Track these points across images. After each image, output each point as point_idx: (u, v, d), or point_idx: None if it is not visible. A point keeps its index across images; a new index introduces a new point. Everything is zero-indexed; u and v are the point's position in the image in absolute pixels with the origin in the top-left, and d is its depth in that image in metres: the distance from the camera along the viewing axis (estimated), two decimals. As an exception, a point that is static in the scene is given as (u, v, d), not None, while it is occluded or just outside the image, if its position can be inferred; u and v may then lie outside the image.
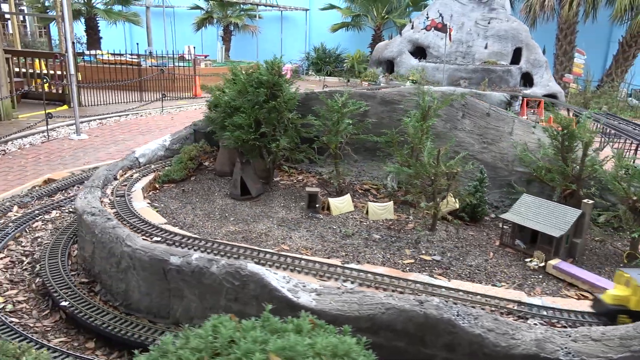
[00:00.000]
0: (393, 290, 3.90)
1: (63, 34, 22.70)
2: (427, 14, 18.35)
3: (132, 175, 6.38)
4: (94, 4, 24.12)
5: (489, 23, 17.41)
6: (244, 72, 6.16)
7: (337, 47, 28.50)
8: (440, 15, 16.78)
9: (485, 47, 17.22)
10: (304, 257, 4.39)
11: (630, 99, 22.18)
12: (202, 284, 3.99)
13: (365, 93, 6.59)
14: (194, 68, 20.23)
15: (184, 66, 21.02)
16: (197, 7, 27.63)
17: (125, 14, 25.10)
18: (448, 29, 16.23)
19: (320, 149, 6.11)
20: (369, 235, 5.09)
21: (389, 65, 19.19)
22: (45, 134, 12.75)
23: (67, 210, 6.85)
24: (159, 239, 4.60)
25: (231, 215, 5.52)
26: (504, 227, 5.09)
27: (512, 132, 5.87)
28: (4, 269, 5.26)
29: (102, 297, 4.69)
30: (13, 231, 5.95)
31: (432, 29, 16.38)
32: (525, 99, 13.85)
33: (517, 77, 16.88)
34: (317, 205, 5.52)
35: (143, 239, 4.42)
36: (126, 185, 6.02)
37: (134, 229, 4.78)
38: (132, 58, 20.37)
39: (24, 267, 5.34)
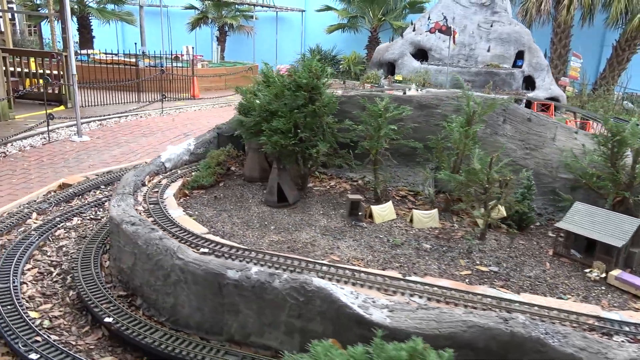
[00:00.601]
0: (465, 306, 3.73)
1: (55, 33, 22.21)
2: (429, 17, 18.29)
3: (160, 181, 6.13)
4: (87, 3, 23.62)
5: (491, 26, 17.41)
6: (279, 75, 5.96)
7: (333, 48, 28.37)
8: (445, 17, 16.74)
9: (488, 50, 17.22)
10: (363, 269, 4.20)
11: (625, 102, 22.40)
12: (262, 299, 3.78)
13: (400, 97, 6.43)
14: (192, 69, 19.90)
15: (180, 66, 20.69)
16: (192, 7, 27.27)
17: (118, 13, 24.64)
18: (452, 32, 16.18)
19: (355, 154, 5.93)
20: (418, 244, 4.92)
21: (390, 68, 19.09)
22: (46, 135, 12.39)
23: (88, 217, 6.58)
24: (206, 250, 4.37)
25: (271, 223, 5.31)
26: (559, 236, 4.97)
27: (554, 137, 5.76)
28: (33, 281, 4.98)
29: (145, 311, 4.45)
30: (37, 240, 5.66)
31: (436, 31, 16.30)
32: (535, 102, 13.84)
33: (519, 80, 16.92)
34: (359, 213, 5.34)
35: (193, 251, 4.19)
36: (157, 191, 5.77)
37: (178, 239, 4.54)
38: (127, 58, 19.96)
39: (54, 279, 5.07)
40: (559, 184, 5.62)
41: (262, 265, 4.13)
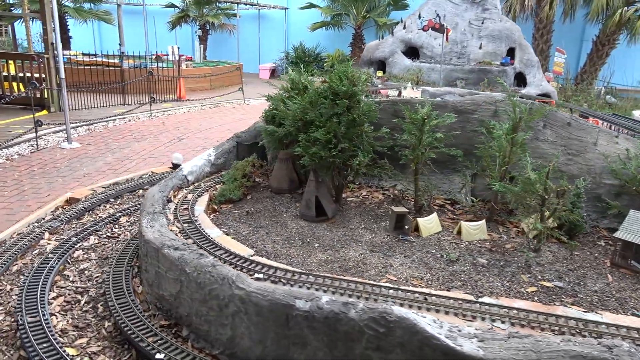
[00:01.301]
0: (552, 331, 3.53)
1: (31, 34, 21.26)
2: (420, 14, 18.17)
3: (186, 196, 5.77)
4: (63, 2, 22.73)
5: (482, 23, 17.39)
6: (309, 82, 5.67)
7: (317, 46, 28.07)
8: (438, 15, 16.62)
9: (480, 47, 17.19)
10: (434, 292, 3.96)
11: (608, 97, 22.76)
12: (335, 331, 3.51)
13: (434, 102, 6.21)
14: (178, 69, 19.34)
15: (164, 67, 20.12)
16: (172, 5, 26.58)
17: (96, 12, 23.81)
18: (445, 30, 16.08)
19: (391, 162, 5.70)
20: (474, 259, 4.71)
21: (381, 66, 18.90)
22: (34, 142, 11.82)
23: (104, 236, 6.17)
24: (260, 275, 4.06)
25: (313, 240, 5.03)
26: (609, 244, 4.83)
27: (596, 142, 5.63)
28: (62, 312, 4.59)
29: (194, 343, 4.12)
30: (57, 264, 5.25)
31: (430, 29, 16.18)
32: (537, 100, 13.82)
33: (511, 77, 16.95)
34: (406, 227, 5.10)
35: (254, 279, 3.87)
36: (186, 208, 5.42)
37: (227, 265, 4.21)
38: (108, 59, 19.26)
39: (83, 308, 4.68)
40: (603, 190, 5.50)
41: (326, 292, 3.85)
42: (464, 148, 5.72)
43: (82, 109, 16.23)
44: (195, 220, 5.09)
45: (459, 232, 5.17)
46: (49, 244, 5.89)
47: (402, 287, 4.00)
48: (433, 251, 4.85)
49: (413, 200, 5.89)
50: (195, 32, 26.55)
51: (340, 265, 4.56)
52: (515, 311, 3.72)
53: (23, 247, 5.64)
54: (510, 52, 17.51)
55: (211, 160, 6.48)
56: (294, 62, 27.92)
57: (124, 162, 11.26)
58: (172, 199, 5.69)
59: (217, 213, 5.61)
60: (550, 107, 5.51)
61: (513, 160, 5.14)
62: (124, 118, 16.02)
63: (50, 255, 5.41)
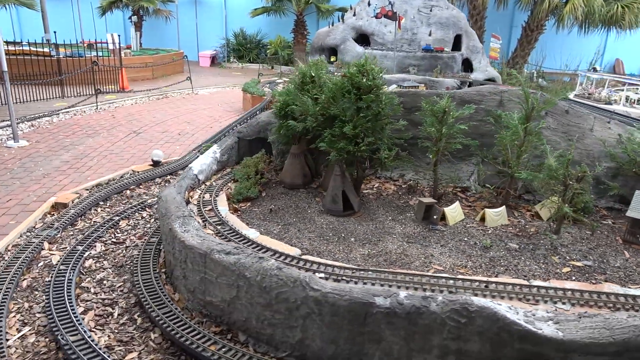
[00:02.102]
0: (610, 308, 3.81)
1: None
2: (369, 1, 18.37)
3: (203, 196, 5.57)
4: (-20, -15, 20.74)
5: (430, 10, 17.87)
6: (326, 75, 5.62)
7: (258, 32, 27.62)
8: (390, 3, 16.86)
9: (430, 35, 17.68)
10: (494, 280, 4.13)
11: (541, 80, 24.26)
12: (415, 324, 3.58)
13: (440, 93, 6.36)
14: (119, 58, 18.32)
15: (101, 56, 19.00)
16: (102, -11, 25.02)
17: (18, -4, 21.92)
18: (398, 17, 16.39)
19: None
20: (505, 245, 4.95)
21: (332, 53, 18.95)
22: (-24, 142, 10.87)
23: (109, 242, 5.84)
24: (322, 275, 4.05)
25: (348, 235, 5.05)
26: (614, 223, 5.24)
27: (592, 128, 6.04)
28: (99, 327, 4.32)
29: (256, 348, 4.04)
30: (73, 276, 4.92)
31: (382, 17, 16.42)
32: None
33: (459, 63, 17.60)
34: (434, 217, 5.24)
35: (328, 279, 3.85)
36: (212, 209, 5.24)
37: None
38: (36, 47, 17.90)
39: (119, 321, 4.44)
40: (600, 173, 5.92)
41: (390, 286, 3.91)
42: (471, 137, 5.93)
43: (17, 103, 15.06)
44: (227, 222, 4.95)
45: (482, 219, 5.39)
46: (52, 254, 5.49)
47: (458, 277, 4.14)
48: (465, 239, 5.04)
49: (427, 190, 6.05)
50: (129, 19, 25.18)
51: (385, 258, 4.63)
52: (569, 292, 3.97)
53: (26, 260, 5.21)
54: (457, 39, 18.16)
55: (217, 158, 6.28)
56: (235, 49, 27.37)
57: (84, 161, 10.62)
58: (190, 199, 5.48)
59: (239, 212, 5.48)
60: (562, 96, 5.83)
61: (528, 148, 5.41)
62: (68, 112, 15.05)
63: (62, 268, 5.05)
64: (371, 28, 18.28)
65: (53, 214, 6.54)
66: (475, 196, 6.03)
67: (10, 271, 4.96)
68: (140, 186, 7.73)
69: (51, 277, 4.88)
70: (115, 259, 5.47)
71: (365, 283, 3.97)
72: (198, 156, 9.32)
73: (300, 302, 3.74)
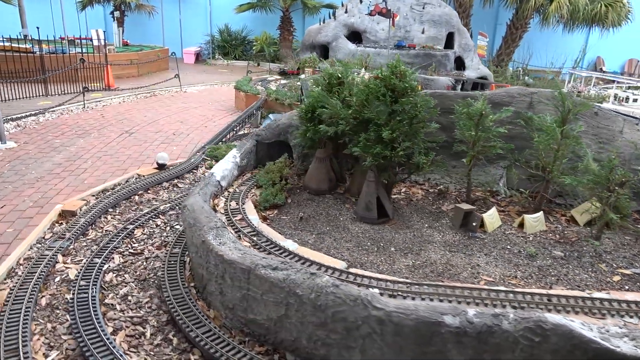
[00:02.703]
0: (678, 319, 3.69)
1: None
2: (361, -2, 18.17)
3: (228, 204, 5.28)
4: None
5: (423, 8, 17.77)
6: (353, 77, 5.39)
7: (243, 28, 27.17)
8: (384, 0, 16.68)
9: (422, 32, 17.59)
10: (552, 292, 3.97)
11: (527, 78, 24.46)
12: (485, 343, 3.39)
13: (470, 94, 6.18)
14: (105, 55, 17.71)
15: (85, 52, 18.39)
16: (83, -16, 24.23)
17: (-6, -10, 21.06)
18: (392, 15, 16.23)
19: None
20: (550, 252, 4.81)
21: (323, 50, 18.71)
22: (-38, 144, 10.35)
23: (127, 253, 5.51)
24: (377, 291, 3.83)
25: (387, 244, 4.84)
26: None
27: (622, 130, 5.96)
28: (133, 349, 4.02)
29: (308, 369, 3.80)
30: (95, 293, 4.59)
31: (377, 14, 16.24)
32: (492, 84, 14.44)
33: (452, 61, 17.56)
34: (473, 224, 5.07)
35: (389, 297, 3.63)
36: (242, 219, 4.96)
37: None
38: (13, 43, 17.22)
39: (154, 342, 4.14)
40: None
41: (450, 301, 3.72)
42: (502, 140, 5.77)
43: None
44: (261, 232, 4.68)
45: (520, 225, 5.24)
46: (67, 267, 5.14)
47: (518, 290, 3.97)
48: (508, 247, 4.88)
49: (455, 194, 5.88)
50: (110, 14, 24.45)
51: (431, 269, 4.43)
52: (633, 304, 3.84)
53: (42, 276, 4.86)
54: (450, 37, 18.12)
55: (237, 163, 5.99)
56: (221, 46, 26.88)
57: (77, 163, 10.20)
58: (216, 208, 5.19)
59: (268, 221, 5.21)
60: (598, 98, 5.71)
61: (565, 152, 5.28)
62: (55, 111, 14.51)
63: (82, 284, 4.71)
64: (363, 25, 18.10)
65: (61, 223, 6.16)
66: (506, 200, 5.88)
67: (27, 288, 4.60)
68: (149, 191, 7.38)
69: (73, 294, 4.54)
70: (136, 272, 5.15)
71: (423, 298, 3.77)
72: (203, 158, 9.01)
73: (360, 322, 3.52)
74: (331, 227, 5.12)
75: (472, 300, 3.78)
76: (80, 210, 6.43)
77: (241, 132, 12.27)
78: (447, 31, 17.90)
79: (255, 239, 4.57)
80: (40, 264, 5.02)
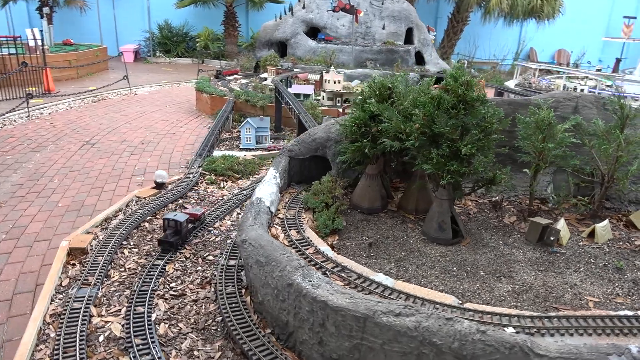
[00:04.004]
0: None
1: None
2: (320, -7, 17.71)
3: (287, 234, 4.72)
4: None
5: (382, 4, 17.61)
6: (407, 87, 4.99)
7: (185, 24, 25.86)
8: (347, -5, 16.32)
9: (383, 28, 17.44)
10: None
11: (472, 70, 25.12)
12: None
13: (515, 101, 5.95)
14: (43, 57, 16.04)
15: (17, 53, 16.63)
16: (2, -24, 21.89)
17: None
18: (355, 11, 15.93)
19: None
20: (633, 263, 4.68)
21: (281, 47, 18.08)
22: None
23: (169, 296, 4.79)
24: (512, 330, 3.48)
25: (474, 267, 4.50)
26: None
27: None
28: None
29: None
30: (159, 355, 3.90)
31: (340, 10, 15.87)
32: (482, 81, 14.49)
33: (413, 57, 17.58)
34: (552, 238, 4.85)
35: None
36: (317, 251, 4.42)
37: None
38: None
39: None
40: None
41: (599, 335, 3.45)
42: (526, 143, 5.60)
43: None
44: (345, 266, 4.18)
45: (590, 235, 5.10)
46: (106, 322, 4.36)
47: None
48: (592, 260, 4.71)
49: (507, 204, 5.66)
50: (37, 10, 22.29)
51: (534, 294, 4.15)
52: None
53: (83, 337, 4.07)
54: (409, 32, 18.11)
55: (279, 184, 5.41)
56: (162, 43, 25.43)
57: (42, 182, 9.12)
58: (278, 239, 4.61)
59: (335, 249, 4.71)
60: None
61: (626, 158, 5.19)
62: (-6, 122, 12.98)
63: (139, 343, 3.99)
64: (323, 21, 17.66)
65: (74, 264, 5.29)
66: (558, 208, 5.73)
67: (75, 356, 3.82)
68: (157, 216, 6.58)
69: (133, 358, 3.82)
70: (189, 319, 4.47)
71: (562, 334, 3.47)
72: (201, 172, 8.20)
73: (516, 370, 3.15)
74: (406, 252, 4.71)
75: (610, 331, 3.52)
76: (91, 246, 5.57)
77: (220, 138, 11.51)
78: (406, 26, 17.87)
79: (344, 275, 4.06)
80: (76, 322, 4.22)
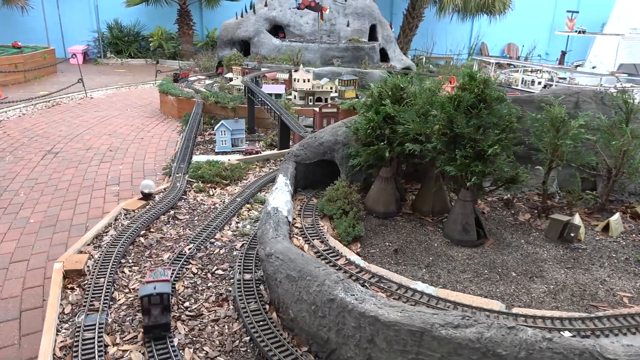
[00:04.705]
0: None
1: None
2: (281, -10, 17.40)
3: (311, 244, 4.50)
4: None
5: (345, 0, 17.51)
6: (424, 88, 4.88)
7: (136, 23, 24.87)
8: (312, -8, 16.07)
9: (348, 25, 17.35)
10: None
11: (430, 66, 25.50)
12: None
13: (519, 98, 5.94)
14: (-12, 60, 14.95)
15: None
16: None
17: None
18: (321, 8, 15.75)
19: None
20: (652, 256, 4.78)
21: (244, 46, 17.67)
22: None
23: (185, 317, 4.48)
24: (568, 333, 3.42)
25: (504, 268, 4.44)
26: None
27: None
28: None
29: None
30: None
31: (305, 7, 15.64)
32: (452, 77, 14.57)
33: (378, 53, 17.61)
34: (572, 235, 4.87)
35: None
36: (349, 261, 4.23)
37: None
38: None
39: None
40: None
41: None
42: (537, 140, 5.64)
43: None
44: (382, 276, 4.02)
45: (604, 229, 5.17)
46: (124, 351, 4.01)
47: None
48: (613, 255, 4.76)
49: (517, 201, 5.66)
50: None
51: (570, 293, 4.13)
52: None
53: (103, 369, 3.72)
54: (372, 29, 18.10)
55: (291, 191, 5.17)
56: (112, 43, 24.35)
57: (6, 197, 8.53)
58: (302, 250, 4.39)
59: (361, 257, 4.53)
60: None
61: (633, 151, 5.29)
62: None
63: (169, 371, 3.68)
64: (286, 19, 17.37)
65: (73, 287, 4.85)
66: (573, 203, 5.77)
67: (100, 393, 3.47)
68: (151, 230, 6.18)
69: (168, 390, 3.51)
70: (214, 341, 4.18)
71: (616, 334, 3.45)
72: (187, 180, 7.80)
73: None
74: (433, 257, 4.59)
75: (659, 328, 3.53)
76: (88, 267, 5.14)
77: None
78: (370, 23, 17.85)
79: (383, 285, 3.90)
80: (91, 354, 3.84)
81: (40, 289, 6.06)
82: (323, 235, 4.68)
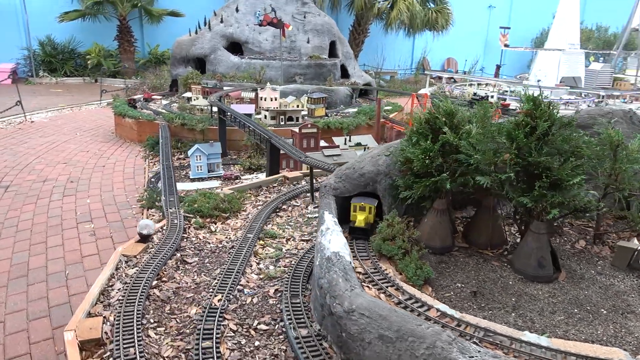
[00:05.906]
0: None
1: None
2: (238, 8, 16.81)
3: (387, 292, 3.97)
4: None
5: (304, 17, 17.17)
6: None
7: (71, 40, 23.27)
8: (273, 10, 15.56)
9: (308, 42, 17.01)
10: None
11: (381, 81, 25.71)
12: None
13: (598, 120, 5.73)
14: None
15: None
16: None
17: None
18: (283, 25, 15.30)
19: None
20: None
21: (199, 64, 16.85)
22: None
23: (247, 390, 3.80)
24: None
25: (592, 306, 4.12)
26: None
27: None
28: None
29: None
30: None
31: (267, 24, 15.13)
32: (413, 94, 14.45)
33: (339, 70, 17.40)
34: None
35: None
36: (441, 312, 3.73)
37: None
38: None
39: None
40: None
41: None
42: (591, 165, 5.50)
43: None
44: (482, 327, 3.56)
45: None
46: None
47: None
48: (684, 283, 4.59)
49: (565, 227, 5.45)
50: None
51: (671, 330, 3.88)
52: None
53: None
54: (332, 45, 17.87)
55: (342, 230, 4.61)
56: (45, 61, 22.57)
57: (10, 231, 7.38)
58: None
59: (446, 304, 4.05)
60: None
61: (679, 171, 5.21)
62: None
63: None
64: (244, 36, 16.77)
65: (86, 348, 4.01)
66: (612, 227, 5.61)
67: None
68: (163, 279, 5.37)
69: None
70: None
71: None
72: (184, 216, 6.95)
73: None
74: (515, 298, 4.20)
75: None
76: (106, 333, 4.29)
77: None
78: (329, 40, 17.60)
79: (493, 340, 3.44)
80: None
81: (27, 358, 5.13)
82: (393, 280, 4.16)
